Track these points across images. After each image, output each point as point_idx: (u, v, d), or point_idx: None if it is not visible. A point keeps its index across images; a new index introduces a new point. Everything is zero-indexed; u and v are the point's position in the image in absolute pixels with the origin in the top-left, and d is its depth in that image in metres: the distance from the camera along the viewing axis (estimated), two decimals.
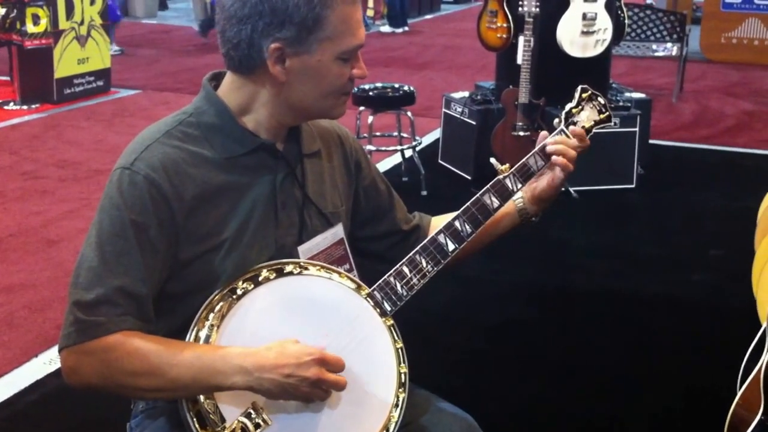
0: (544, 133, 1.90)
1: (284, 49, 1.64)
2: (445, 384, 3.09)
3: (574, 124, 1.91)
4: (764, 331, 2.39)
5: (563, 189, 5.34)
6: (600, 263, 4.64)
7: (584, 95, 1.94)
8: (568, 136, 1.90)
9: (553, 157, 1.86)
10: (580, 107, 1.93)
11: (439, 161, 6.27)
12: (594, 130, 1.94)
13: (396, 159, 6.25)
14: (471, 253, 1.93)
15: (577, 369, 3.55)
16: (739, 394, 2.36)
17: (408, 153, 5.93)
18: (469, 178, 5.86)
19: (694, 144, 7.05)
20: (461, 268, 1.98)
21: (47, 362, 3.49)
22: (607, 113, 1.95)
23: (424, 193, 5.62)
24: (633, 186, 5.75)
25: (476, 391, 3.35)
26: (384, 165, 6.23)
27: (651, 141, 6.33)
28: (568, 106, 1.93)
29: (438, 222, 2.03)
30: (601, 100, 1.96)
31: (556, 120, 1.92)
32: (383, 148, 5.93)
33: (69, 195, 5.53)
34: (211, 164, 1.69)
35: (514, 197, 1.94)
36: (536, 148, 1.88)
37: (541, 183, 1.91)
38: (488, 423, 1.95)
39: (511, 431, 3.13)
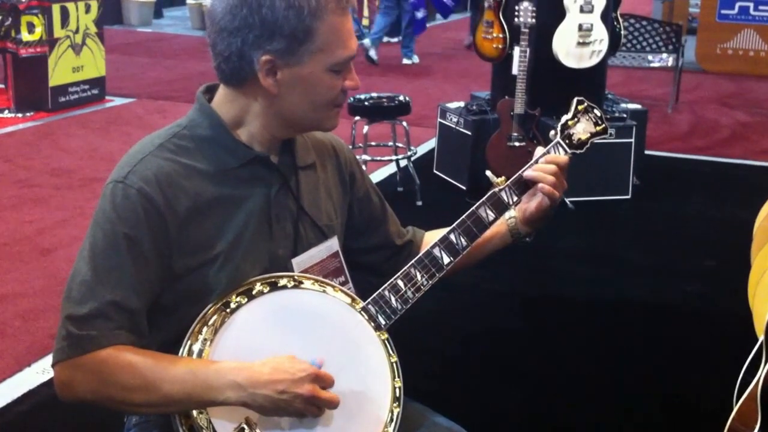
0: (539, 148, 1.89)
1: (275, 61, 1.64)
2: (429, 391, 3.08)
3: (570, 136, 1.90)
4: (761, 345, 2.38)
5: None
6: (595, 273, 4.64)
7: (580, 107, 1.93)
8: (564, 149, 1.89)
9: (540, 185, 1.84)
10: (576, 119, 1.92)
11: (434, 171, 6.27)
12: (590, 143, 1.93)
13: (391, 169, 6.24)
14: (461, 268, 1.92)
15: (571, 379, 3.54)
16: (736, 408, 2.35)
17: (403, 163, 5.92)
18: (464, 188, 5.85)
19: (689, 155, 7.06)
20: (453, 276, 1.97)
21: (40, 372, 3.47)
22: (603, 125, 1.94)
23: (419, 203, 5.61)
24: (628, 197, 5.75)
25: (459, 398, 3.33)
26: (379, 175, 6.23)
27: (646, 152, 6.33)
28: (564, 118, 1.92)
29: (431, 237, 2.03)
30: (597, 112, 1.95)
31: (552, 132, 1.91)
32: (378, 158, 5.92)
33: (63, 203, 5.51)
34: (204, 177, 1.68)
35: (507, 217, 1.93)
36: (532, 161, 1.87)
37: (531, 206, 1.89)
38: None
39: None
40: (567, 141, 1.90)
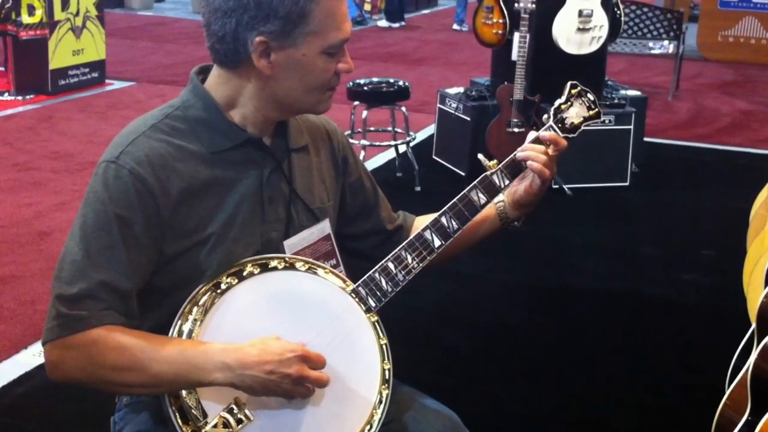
0: (532, 132, 1.89)
1: (269, 42, 1.63)
2: (434, 381, 3.09)
3: (563, 120, 1.90)
4: (753, 331, 2.38)
5: (558, 186, 5.40)
6: (593, 261, 4.64)
7: (573, 91, 1.92)
8: (557, 132, 1.89)
9: (528, 163, 1.83)
10: (569, 103, 1.91)
11: (434, 157, 6.26)
12: (583, 127, 1.92)
13: (390, 154, 6.24)
14: (452, 254, 1.92)
15: (568, 367, 3.54)
16: (727, 394, 2.36)
17: (402, 148, 5.91)
18: (464, 174, 5.84)
19: (689, 142, 7.05)
20: (454, 264, 1.96)
21: (36, 354, 3.48)
22: (597, 109, 1.94)
23: (418, 189, 5.60)
24: (627, 184, 5.75)
25: (464, 389, 3.34)
26: (378, 160, 6.22)
27: (646, 139, 6.32)
28: (557, 102, 1.91)
29: (421, 222, 2.02)
30: (591, 96, 1.94)
31: (545, 116, 1.91)
32: (377, 144, 5.91)
33: (62, 187, 5.51)
34: (197, 158, 1.68)
35: (496, 201, 1.93)
36: (524, 144, 1.87)
37: (520, 189, 1.89)
38: (475, 421, 1.94)
39: (497, 430, 3.12)
40: (560, 125, 1.89)
